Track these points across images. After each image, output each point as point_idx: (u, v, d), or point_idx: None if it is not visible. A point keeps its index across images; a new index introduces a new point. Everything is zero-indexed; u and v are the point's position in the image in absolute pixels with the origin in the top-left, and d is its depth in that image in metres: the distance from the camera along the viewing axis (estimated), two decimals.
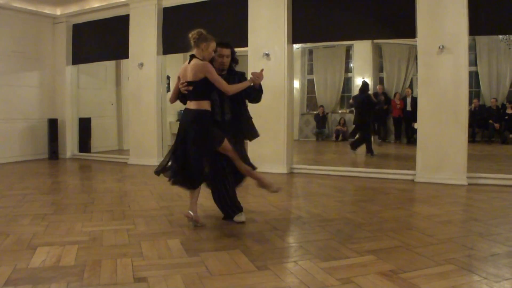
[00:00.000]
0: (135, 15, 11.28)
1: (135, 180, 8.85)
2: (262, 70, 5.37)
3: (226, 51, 5.38)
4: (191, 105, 5.15)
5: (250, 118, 5.60)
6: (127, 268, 3.78)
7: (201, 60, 5.12)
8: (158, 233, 4.91)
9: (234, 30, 10.07)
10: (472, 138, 14.53)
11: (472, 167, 8.37)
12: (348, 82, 18.49)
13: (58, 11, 12.70)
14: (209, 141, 5.06)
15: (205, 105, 5.12)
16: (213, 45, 5.21)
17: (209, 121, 5.12)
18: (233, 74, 5.44)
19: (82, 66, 13.11)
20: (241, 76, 5.48)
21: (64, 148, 12.81)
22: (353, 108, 12.64)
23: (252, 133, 5.60)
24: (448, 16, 8.04)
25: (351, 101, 12.52)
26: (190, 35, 5.30)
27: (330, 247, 4.36)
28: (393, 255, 4.13)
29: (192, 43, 5.24)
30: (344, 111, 18.35)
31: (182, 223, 5.32)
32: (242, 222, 5.33)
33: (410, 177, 8.51)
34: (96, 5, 12.04)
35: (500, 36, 14.96)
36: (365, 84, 12.75)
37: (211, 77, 4.98)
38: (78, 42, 12.72)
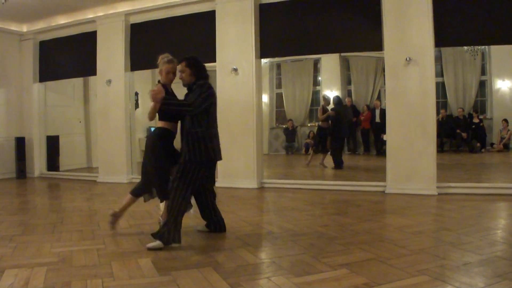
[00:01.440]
0: (102, 32, 11.21)
1: (104, 198, 8.74)
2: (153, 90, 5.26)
3: (172, 68, 5.51)
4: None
5: (196, 137, 5.19)
6: None
7: (161, 84, 5.43)
8: (129, 252, 4.84)
9: (202, 46, 10.07)
10: (440, 148, 14.70)
11: (442, 177, 8.46)
12: (316, 95, 18.57)
13: (24, 28, 12.55)
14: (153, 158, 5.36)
15: (165, 125, 5.39)
16: (166, 67, 5.47)
17: (159, 140, 5.37)
18: (191, 89, 5.39)
19: (50, 84, 12.94)
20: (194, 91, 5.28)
21: (32, 167, 12.61)
22: (329, 121, 12.65)
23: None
24: (414, 29, 8.16)
25: (331, 113, 12.54)
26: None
27: (303, 262, 4.34)
28: (366, 267, 4.13)
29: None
30: (314, 124, 18.43)
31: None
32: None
33: (380, 189, 8.56)
34: (63, 21, 11.93)
35: (465, 47, 15.21)
36: (339, 97, 13.01)
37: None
38: (45, 59, 12.58)
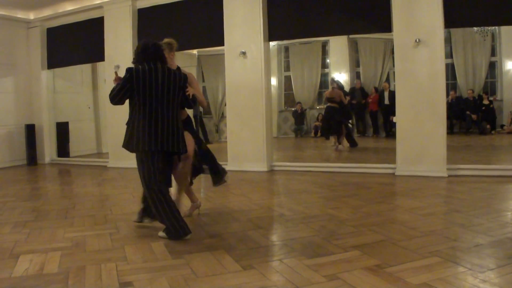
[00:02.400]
0: (109, 17, 11.19)
1: (115, 183, 8.79)
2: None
3: None
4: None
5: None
6: (112, 273, 3.75)
7: None
8: (141, 236, 4.89)
9: (210, 30, 10.07)
10: (450, 130, 14.64)
11: (452, 159, 8.44)
12: (325, 78, 18.52)
13: (31, 16, 12.54)
14: None
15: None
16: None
17: None
18: None
19: (58, 70, 12.97)
20: None
21: (42, 154, 12.67)
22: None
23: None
24: (423, 10, 8.09)
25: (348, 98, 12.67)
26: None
27: (315, 243, 4.37)
28: (377, 249, 4.14)
29: None
30: (322, 106, 18.41)
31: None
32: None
33: (390, 171, 8.55)
34: (69, 8, 11.91)
35: (475, 28, 15.09)
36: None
37: None
38: (53, 46, 12.59)
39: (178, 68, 5.40)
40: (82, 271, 3.81)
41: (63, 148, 13.09)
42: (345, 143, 12.98)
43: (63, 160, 12.81)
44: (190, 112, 5.99)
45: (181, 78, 4.95)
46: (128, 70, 4.68)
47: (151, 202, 4.80)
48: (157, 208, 4.74)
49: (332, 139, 13.07)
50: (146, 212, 5.25)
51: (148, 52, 4.78)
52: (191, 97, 5.20)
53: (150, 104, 4.71)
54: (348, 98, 13.60)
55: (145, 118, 4.74)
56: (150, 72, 4.69)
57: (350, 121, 13.59)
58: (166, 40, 5.59)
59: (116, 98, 4.78)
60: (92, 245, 4.59)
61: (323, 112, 17.46)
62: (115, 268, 3.85)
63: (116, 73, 5.30)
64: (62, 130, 13.06)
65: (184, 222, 4.75)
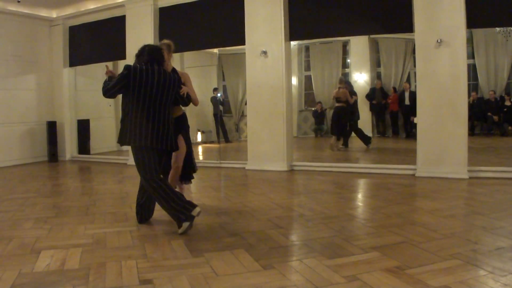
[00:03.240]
0: (131, 16, 11.27)
1: (135, 181, 8.78)
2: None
3: None
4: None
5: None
6: (132, 270, 3.78)
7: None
8: (161, 234, 4.91)
9: (231, 29, 10.09)
10: (471, 131, 14.52)
11: (473, 160, 8.37)
12: (345, 77, 18.44)
13: (54, 14, 12.68)
14: None
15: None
16: None
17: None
18: None
19: (80, 68, 13.10)
20: None
21: (63, 150, 12.80)
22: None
23: None
24: (445, 10, 8.03)
25: (355, 97, 12.69)
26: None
27: (335, 244, 4.36)
28: (397, 251, 4.13)
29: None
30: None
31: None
32: None
33: (411, 172, 8.50)
34: (91, 6, 12.03)
35: (497, 28, 14.93)
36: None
37: None
38: (75, 44, 12.72)
39: (174, 69, 5.79)
40: (102, 268, 3.84)
41: (83, 145, 13.21)
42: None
43: (84, 157, 12.92)
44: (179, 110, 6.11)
45: (175, 80, 5.21)
46: (126, 67, 4.90)
47: (153, 195, 5.02)
48: (160, 197, 4.92)
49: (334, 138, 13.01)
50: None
51: (143, 55, 5.08)
52: (185, 95, 5.52)
53: (144, 102, 4.92)
54: (355, 97, 13.51)
55: (137, 115, 4.94)
56: (147, 72, 4.92)
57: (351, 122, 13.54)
58: (165, 41, 5.93)
59: (110, 91, 4.98)
60: (112, 242, 4.63)
61: None
62: (135, 265, 3.88)
63: (107, 66, 5.38)
64: (83, 127, 13.19)
65: (187, 201, 4.95)
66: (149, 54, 5.06)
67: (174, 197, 4.87)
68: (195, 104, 5.88)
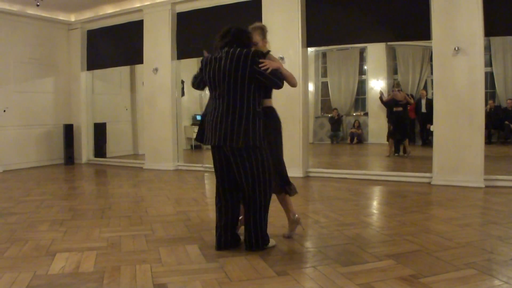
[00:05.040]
0: (149, 21, 11.33)
1: (151, 185, 8.87)
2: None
3: None
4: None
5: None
6: (147, 274, 3.79)
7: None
8: (176, 239, 4.92)
9: None
10: (488, 140, 14.41)
11: (489, 169, 8.29)
12: (362, 84, 18.44)
13: (72, 18, 12.80)
14: None
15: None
16: None
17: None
18: None
19: (97, 72, 13.20)
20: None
21: (79, 153, 12.89)
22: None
23: None
24: (463, 17, 7.99)
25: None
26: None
27: (349, 251, 4.35)
28: (412, 259, 4.11)
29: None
30: (359, 113, 18.32)
31: (199, 228, 5.34)
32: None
33: (426, 180, 8.46)
34: (110, 11, 12.12)
35: None
36: None
37: None
38: (92, 48, 12.82)
39: (267, 52, 4.75)
40: (117, 271, 3.87)
41: (100, 148, 13.29)
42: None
43: (100, 160, 13.00)
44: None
45: (245, 56, 4.29)
46: (202, 60, 4.60)
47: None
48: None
49: (391, 146, 12.90)
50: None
51: (227, 36, 4.46)
52: (269, 71, 4.33)
53: (211, 92, 4.49)
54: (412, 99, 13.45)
55: (211, 110, 4.47)
56: (215, 61, 4.39)
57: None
58: (257, 23, 5.03)
59: (193, 83, 4.80)
60: (127, 246, 4.65)
61: (359, 119, 17.43)
62: (150, 270, 3.90)
63: (205, 52, 4.81)
64: (100, 130, 13.26)
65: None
66: (233, 35, 4.42)
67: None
68: (292, 83, 4.85)
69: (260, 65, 4.28)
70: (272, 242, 4.56)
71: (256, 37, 4.73)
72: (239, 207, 4.63)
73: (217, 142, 4.32)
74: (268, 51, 4.74)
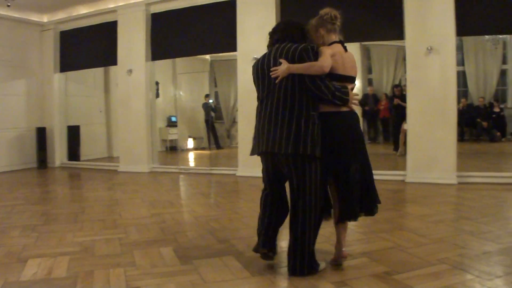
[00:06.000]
0: (123, 21, 11.26)
1: (125, 187, 8.81)
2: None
3: None
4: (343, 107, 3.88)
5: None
6: (120, 278, 3.76)
7: None
8: (151, 242, 4.88)
9: (223, 35, 10.10)
10: (460, 137, 14.58)
11: (462, 166, 8.41)
12: None
13: (45, 18, 12.65)
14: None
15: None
16: None
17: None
18: None
19: (70, 74, 13.04)
20: None
21: (53, 157, 12.73)
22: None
23: None
24: (435, 18, 8.09)
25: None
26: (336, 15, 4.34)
27: (323, 250, 4.35)
28: (386, 256, 4.15)
29: (337, 27, 4.33)
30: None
31: (174, 231, 5.31)
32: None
33: (400, 178, 8.53)
34: (83, 11, 12.01)
35: (487, 36, 15.06)
36: None
37: None
38: (66, 49, 12.68)
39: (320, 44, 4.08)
40: (90, 276, 3.82)
41: (73, 151, 13.13)
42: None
43: (74, 163, 12.86)
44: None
45: (293, 54, 3.78)
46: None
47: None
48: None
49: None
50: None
51: (276, 32, 4.10)
52: (277, 81, 3.79)
53: (262, 97, 4.03)
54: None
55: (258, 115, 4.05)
56: (263, 60, 3.96)
57: None
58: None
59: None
60: (101, 250, 4.60)
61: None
62: (124, 273, 3.86)
63: None
64: (73, 133, 13.11)
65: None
66: (282, 31, 4.03)
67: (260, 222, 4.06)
68: (313, 71, 3.70)
69: (270, 74, 3.82)
70: (322, 265, 3.88)
71: (313, 30, 4.19)
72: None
73: (268, 148, 3.79)
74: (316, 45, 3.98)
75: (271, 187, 4.04)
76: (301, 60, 3.70)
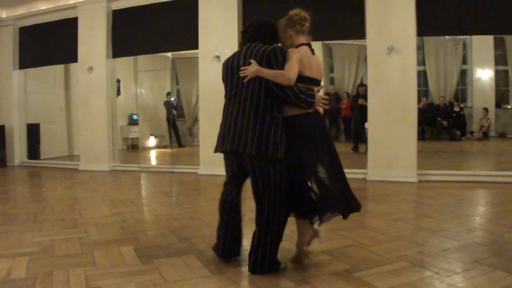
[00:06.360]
0: (83, 18, 11.10)
1: (86, 186, 8.71)
2: None
3: None
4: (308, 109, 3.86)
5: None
6: (80, 278, 3.71)
7: None
8: (111, 241, 4.83)
9: (185, 33, 10.06)
10: (421, 136, 14.80)
11: (422, 164, 8.55)
12: None
13: (3, 14, 12.38)
14: None
15: None
16: None
17: None
18: None
19: (30, 71, 12.80)
20: None
21: (12, 156, 12.49)
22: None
23: None
24: (397, 18, 8.20)
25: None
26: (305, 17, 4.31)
27: (284, 248, 4.34)
28: (346, 254, 4.19)
29: (306, 28, 4.29)
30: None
31: (134, 230, 5.27)
32: None
33: (362, 176, 8.61)
34: (43, 7, 11.80)
35: (447, 37, 15.35)
36: None
37: None
38: (25, 46, 12.44)
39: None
40: (49, 277, 3.76)
41: (33, 150, 12.89)
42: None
43: (33, 162, 12.64)
44: None
45: (262, 55, 3.77)
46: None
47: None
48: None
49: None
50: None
51: (248, 32, 4.04)
52: (245, 80, 3.76)
53: (230, 96, 3.95)
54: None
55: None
56: (233, 59, 3.98)
57: None
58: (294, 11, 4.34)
59: None
60: (60, 250, 4.53)
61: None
62: (84, 273, 3.81)
63: None
64: (33, 131, 12.87)
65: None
66: (254, 30, 3.97)
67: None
68: (279, 81, 3.64)
69: (239, 72, 3.81)
70: (283, 264, 3.90)
71: (282, 30, 4.10)
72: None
73: (227, 147, 3.82)
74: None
75: (232, 185, 4.10)
76: (268, 62, 3.71)
